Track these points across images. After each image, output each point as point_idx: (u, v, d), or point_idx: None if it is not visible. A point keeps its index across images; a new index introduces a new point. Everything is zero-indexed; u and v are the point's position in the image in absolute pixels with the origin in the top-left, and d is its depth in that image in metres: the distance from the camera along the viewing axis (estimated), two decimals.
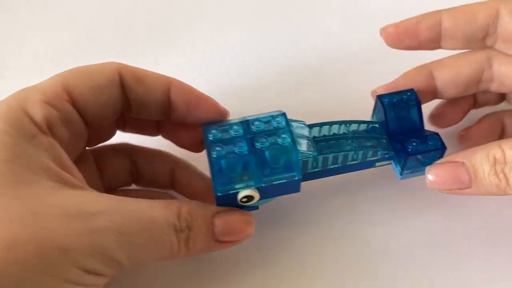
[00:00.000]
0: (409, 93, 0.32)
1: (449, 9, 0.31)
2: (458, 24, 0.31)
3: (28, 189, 0.23)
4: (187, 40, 0.44)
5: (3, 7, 0.47)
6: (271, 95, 0.39)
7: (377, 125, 0.32)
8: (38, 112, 0.25)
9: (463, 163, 0.29)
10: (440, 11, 0.31)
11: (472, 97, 0.36)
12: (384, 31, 0.32)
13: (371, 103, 0.33)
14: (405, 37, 0.32)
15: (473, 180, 0.28)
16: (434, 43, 0.32)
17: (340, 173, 0.32)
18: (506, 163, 0.27)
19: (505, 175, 0.27)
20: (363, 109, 0.34)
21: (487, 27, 0.30)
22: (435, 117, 0.35)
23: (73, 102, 0.27)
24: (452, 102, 0.35)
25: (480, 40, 0.31)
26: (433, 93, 0.34)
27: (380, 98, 0.32)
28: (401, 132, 0.32)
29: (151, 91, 0.28)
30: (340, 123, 0.32)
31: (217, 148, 0.28)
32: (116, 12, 0.46)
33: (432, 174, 0.30)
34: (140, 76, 0.28)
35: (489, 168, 0.28)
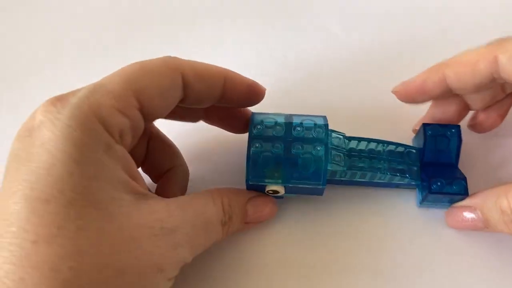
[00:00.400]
0: (453, 130, 0.33)
1: (450, 63, 0.31)
2: (462, 79, 0.31)
3: (116, 208, 0.23)
4: (188, 39, 0.44)
5: (3, 7, 0.46)
6: (271, 95, 0.39)
7: (414, 151, 0.34)
8: (113, 121, 0.24)
9: (475, 209, 0.31)
10: (442, 66, 0.31)
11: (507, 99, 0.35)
12: (395, 91, 0.33)
13: (372, 103, 0.35)
14: (415, 94, 0.33)
15: (486, 225, 0.31)
16: (445, 93, 0.32)
17: (365, 186, 0.35)
18: None
19: None
20: (363, 109, 0.36)
21: (491, 75, 0.30)
22: (473, 127, 0.36)
23: (141, 109, 0.26)
24: (486, 108, 0.35)
25: (489, 82, 0.31)
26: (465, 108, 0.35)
27: (425, 127, 0.33)
28: (435, 163, 0.33)
29: (210, 87, 0.29)
30: (378, 141, 0.34)
31: (257, 144, 0.31)
32: (116, 12, 0.46)
33: (451, 218, 0.33)
34: (200, 73, 0.28)
35: (497, 217, 0.30)
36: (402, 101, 0.34)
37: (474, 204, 0.31)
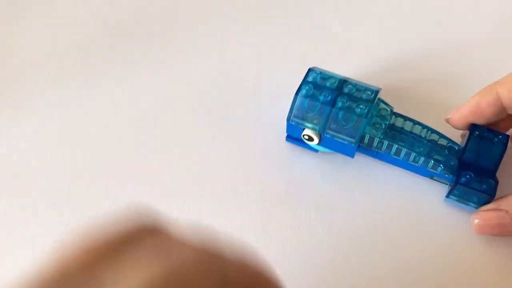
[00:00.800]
0: (501, 137, 0.33)
1: (502, 82, 0.31)
2: None
3: None
4: (188, 39, 0.44)
5: (2, 8, 0.46)
6: (272, 95, 0.40)
7: (455, 147, 0.34)
8: None
9: (506, 211, 0.31)
10: (493, 86, 0.32)
11: None
12: (448, 119, 0.34)
13: None
14: (470, 118, 0.33)
15: None
16: (500, 113, 0.32)
17: (398, 166, 0.35)
18: None
19: None
20: None
21: None
22: None
23: None
24: None
25: None
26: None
27: (473, 126, 0.34)
28: (474, 165, 0.33)
29: None
30: (424, 126, 0.34)
31: (307, 87, 0.34)
32: (116, 12, 0.46)
33: (478, 219, 0.32)
34: None
35: None
36: (457, 127, 0.34)
37: (503, 206, 0.31)
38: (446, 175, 0.34)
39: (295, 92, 0.34)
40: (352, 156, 0.34)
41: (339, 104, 0.33)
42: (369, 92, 0.33)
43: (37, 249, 0.33)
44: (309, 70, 0.35)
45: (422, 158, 0.33)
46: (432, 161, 0.33)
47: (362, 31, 0.43)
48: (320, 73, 0.35)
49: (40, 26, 0.45)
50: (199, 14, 0.45)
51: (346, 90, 0.34)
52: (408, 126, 0.34)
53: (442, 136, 0.34)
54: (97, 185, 0.36)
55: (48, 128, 0.39)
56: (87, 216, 0.34)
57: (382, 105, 0.34)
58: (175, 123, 0.39)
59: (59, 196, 0.35)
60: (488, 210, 0.32)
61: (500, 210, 0.31)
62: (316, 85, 0.34)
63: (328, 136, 0.33)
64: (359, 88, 0.34)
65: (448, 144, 0.34)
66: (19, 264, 0.32)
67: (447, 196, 0.34)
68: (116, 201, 0.35)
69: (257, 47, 0.43)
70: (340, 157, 0.37)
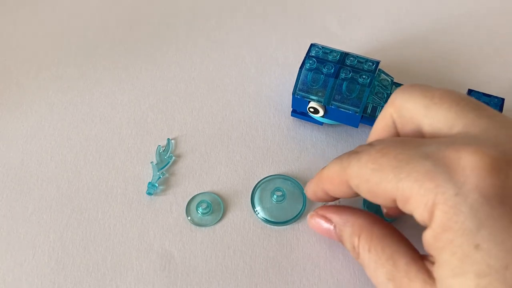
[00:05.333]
0: (496, 100, 0.35)
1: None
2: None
3: None
4: (188, 38, 0.44)
5: (2, 8, 0.47)
6: (271, 95, 0.40)
7: None
8: None
9: (334, 225, 0.30)
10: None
11: None
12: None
13: None
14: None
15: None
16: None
17: None
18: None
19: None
20: None
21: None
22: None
23: None
24: None
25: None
26: None
27: (470, 92, 0.35)
28: None
29: None
30: None
31: (311, 61, 0.35)
32: (115, 11, 0.46)
33: (312, 220, 0.32)
34: None
35: (349, 247, 0.29)
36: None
37: (333, 219, 0.30)
38: None
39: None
40: (357, 126, 0.35)
41: (343, 75, 0.34)
42: (370, 63, 0.35)
43: (37, 249, 0.33)
44: (311, 45, 0.36)
45: None
46: None
47: (362, 31, 0.44)
48: (322, 47, 0.36)
49: (41, 26, 0.46)
50: (199, 14, 0.46)
51: (348, 62, 0.35)
52: None
53: None
54: (97, 185, 0.36)
55: (48, 128, 0.39)
56: (87, 216, 0.34)
57: (383, 76, 0.35)
58: (175, 123, 0.39)
59: (59, 196, 0.35)
60: (320, 216, 0.31)
61: (330, 221, 0.30)
62: (318, 59, 0.35)
63: (333, 107, 0.34)
64: (360, 60, 0.35)
65: None
66: (19, 264, 0.33)
67: None
68: (116, 201, 0.35)
69: (257, 47, 0.44)
70: (344, 129, 0.38)
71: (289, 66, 0.42)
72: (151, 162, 0.37)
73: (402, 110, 0.27)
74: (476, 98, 0.35)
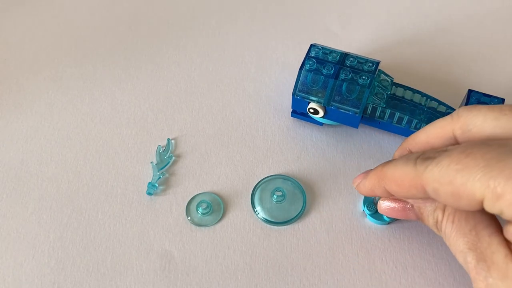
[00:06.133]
0: (496, 101, 0.35)
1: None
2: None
3: None
4: (188, 38, 0.44)
5: (3, 8, 0.47)
6: (271, 95, 0.40)
7: None
8: None
9: (412, 205, 0.31)
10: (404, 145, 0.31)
11: None
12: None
13: None
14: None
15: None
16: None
17: (400, 134, 0.37)
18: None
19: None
20: None
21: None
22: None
23: None
24: None
25: None
26: None
27: (470, 92, 0.35)
28: None
29: None
30: (423, 94, 0.36)
31: (310, 62, 0.35)
32: (115, 11, 0.46)
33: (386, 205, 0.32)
34: None
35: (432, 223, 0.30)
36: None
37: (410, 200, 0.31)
38: None
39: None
40: (357, 126, 0.35)
41: (342, 76, 0.34)
42: (370, 64, 0.35)
43: (37, 249, 0.33)
44: (311, 46, 0.36)
45: (424, 125, 0.35)
46: None
47: (362, 31, 0.44)
48: (322, 48, 0.36)
49: (41, 26, 0.46)
50: (199, 14, 0.46)
51: (348, 62, 0.35)
52: (408, 95, 0.36)
53: (441, 103, 0.36)
54: (97, 185, 0.36)
55: (48, 128, 0.39)
56: (87, 216, 0.35)
57: (383, 76, 0.35)
58: (175, 123, 0.39)
59: (59, 196, 0.35)
60: (392, 200, 0.32)
61: (405, 201, 0.31)
62: (318, 60, 0.35)
63: (333, 108, 0.34)
64: (360, 60, 0.35)
65: (447, 110, 0.36)
66: (19, 264, 0.33)
67: None
68: (116, 201, 0.35)
69: (257, 47, 0.44)
70: (344, 129, 0.38)
71: (289, 66, 0.42)
72: (151, 162, 0.37)
73: (469, 126, 0.27)
74: (476, 98, 0.35)
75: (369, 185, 0.30)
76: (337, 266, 0.32)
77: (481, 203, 0.23)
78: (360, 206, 0.34)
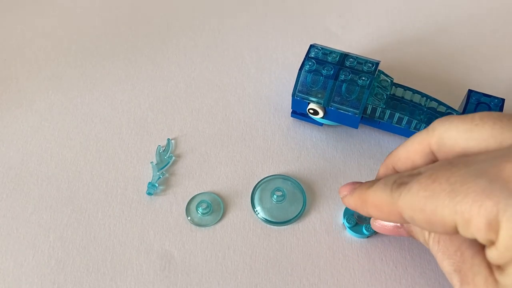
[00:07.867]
0: (497, 101, 0.35)
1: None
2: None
3: None
4: (188, 38, 0.44)
5: (3, 8, 0.47)
6: (271, 95, 0.40)
7: (454, 113, 0.36)
8: None
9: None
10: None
11: None
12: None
13: None
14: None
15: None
16: None
17: (400, 134, 0.37)
18: None
19: None
20: None
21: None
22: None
23: None
24: None
25: None
26: None
27: (470, 92, 0.35)
28: None
29: None
30: (423, 95, 0.36)
31: (310, 63, 0.35)
32: (115, 11, 0.46)
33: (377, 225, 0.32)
34: None
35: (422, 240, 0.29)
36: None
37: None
38: None
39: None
40: (356, 127, 0.35)
41: (342, 77, 0.34)
42: (370, 64, 0.35)
43: (37, 249, 0.33)
44: (311, 46, 0.36)
45: (423, 125, 0.35)
46: None
47: (362, 31, 0.44)
48: (322, 48, 0.36)
49: (41, 26, 0.45)
50: (199, 14, 0.46)
51: (347, 63, 0.35)
52: (408, 95, 0.36)
53: (440, 103, 0.36)
54: (97, 185, 0.36)
55: (48, 128, 0.39)
56: (87, 216, 0.35)
57: (383, 76, 0.35)
58: (175, 123, 0.39)
59: (59, 196, 0.36)
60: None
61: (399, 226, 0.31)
62: (318, 61, 0.35)
63: (332, 108, 0.34)
64: (360, 61, 0.35)
65: (447, 111, 0.36)
66: (19, 264, 0.33)
67: None
68: (116, 201, 0.35)
69: (257, 47, 0.44)
70: (344, 129, 0.38)
71: (289, 66, 0.42)
72: (151, 162, 0.37)
73: (444, 139, 0.26)
74: (476, 98, 0.35)
75: (353, 205, 0.30)
76: (337, 266, 0.32)
77: (455, 228, 0.23)
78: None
